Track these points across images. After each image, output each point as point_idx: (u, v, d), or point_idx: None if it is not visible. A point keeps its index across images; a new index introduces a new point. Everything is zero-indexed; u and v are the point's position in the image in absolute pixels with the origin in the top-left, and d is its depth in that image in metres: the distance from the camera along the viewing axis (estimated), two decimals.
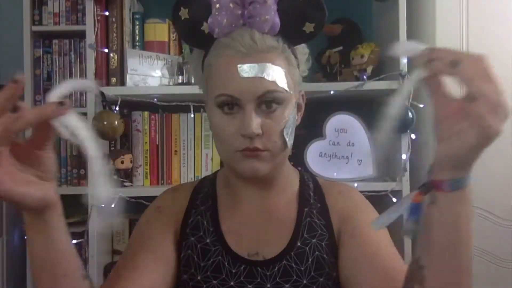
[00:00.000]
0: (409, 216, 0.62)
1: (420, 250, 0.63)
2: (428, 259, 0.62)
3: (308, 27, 0.79)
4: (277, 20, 0.77)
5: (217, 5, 0.77)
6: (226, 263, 0.84)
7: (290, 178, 0.91)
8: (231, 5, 0.76)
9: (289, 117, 0.79)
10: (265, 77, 0.75)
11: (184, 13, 0.80)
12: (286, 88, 0.78)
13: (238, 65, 0.75)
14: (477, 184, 1.47)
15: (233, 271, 0.83)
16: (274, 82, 0.76)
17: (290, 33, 0.79)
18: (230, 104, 0.77)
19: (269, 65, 0.76)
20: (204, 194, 0.92)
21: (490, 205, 1.49)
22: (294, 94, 0.81)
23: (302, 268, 0.82)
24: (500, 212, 1.49)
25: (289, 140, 0.81)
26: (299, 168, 0.99)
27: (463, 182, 0.61)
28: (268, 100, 0.76)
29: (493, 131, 0.52)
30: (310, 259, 0.83)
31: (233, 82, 0.76)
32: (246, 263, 0.83)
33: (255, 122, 0.75)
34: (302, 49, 0.86)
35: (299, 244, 0.84)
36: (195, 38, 0.82)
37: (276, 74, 0.76)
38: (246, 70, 0.75)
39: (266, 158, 0.78)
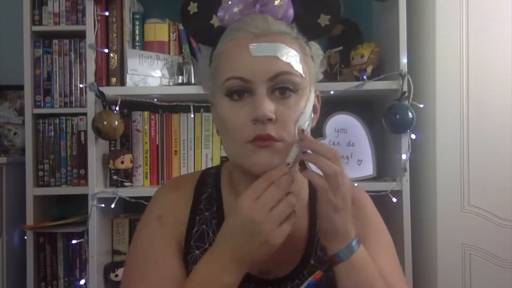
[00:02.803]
0: None
1: None
2: None
3: (324, 20, 0.75)
4: (291, 7, 0.74)
5: None
6: None
7: (301, 184, 0.83)
8: None
9: (306, 109, 0.72)
10: (280, 57, 0.70)
11: (193, 7, 0.78)
12: (301, 71, 0.71)
13: (250, 45, 0.70)
14: (477, 184, 1.48)
15: None
16: (289, 64, 0.70)
17: (305, 25, 0.75)
18: (240, 91, 0.71)
19: (283, 45, 0.71)
20: (208, 195, 0.83)
21: (490, 205, 1.49)
22: (310, 84, 0.75)
23: None
24: (500, 212, 1.49)
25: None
26: None
27: (345, 252, 0.69)
28: (282, 86, 0.70)
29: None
30: (323, 279, 0.76)
31: (244, 63, 0.70)
32: (256, 282, 0.77)
33: (268, 105, 0.68)
34: (316, 50, 0.81)
35: (312, 262, 0.79)
36: (204, 32, 0.78)
37: (291, 57, 0.71)
38: (259, 49, 0.70)
39: (280, 150, 0.70)
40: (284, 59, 0.70)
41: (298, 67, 0.71)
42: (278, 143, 0.69)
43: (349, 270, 0.69)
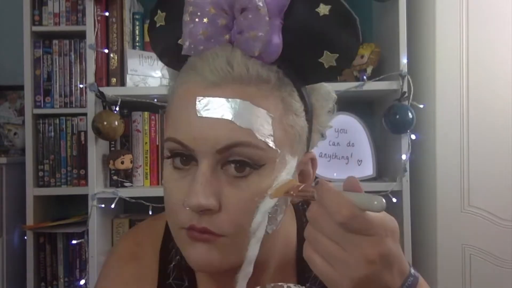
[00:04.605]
0: None
1: None
2: None
3: (328, 59, 0.51)
4: (276, 40, 0.51)
5: (191, 7, 0.51)
6: None
7: (286, 244, 0.63)
8: (211, 9, 0.51)
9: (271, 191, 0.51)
10: (235, 121, 0.49)
11: (160, 18, 0.56)
12: (270, 143, 0.51)
13: (197, 98, 0.50)
14: (477, 184, 1.48)
15: None
16: (248, 132, 0.49)
17: (300, 65, 0.53)
18: (184, 157, 0.52)
19: (244, 103, 0.50)
20: (176, 263, 0.64)
21: (490, 205, 1.49)
22: (288, 155, 0.53)
23: None
24: (500, 212, 1.49)
25: (270, 226, 0.53)
26: (299, 205, 0.67)
27: None
28: (237, 159, 0.50)
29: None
30: None
31: (186, 124, 0.51)
32: None
33: (206, 189, 0.49)
34: (325, 93, 0.59)
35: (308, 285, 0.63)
36: (170, 56, 0.58)
37: (256, 120, 0.50)
38: (208, 106, 0.50)
39: (224, 246, 0.51)
40: (241, 124, 0.49)
41: (264, 134, 0.50)
42: (220, 238, 0.51)
43: None
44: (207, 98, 0.50)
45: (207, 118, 0.50)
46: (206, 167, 0.50)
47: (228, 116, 0.49)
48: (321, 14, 0.49)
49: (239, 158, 0.50)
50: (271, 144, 0.51)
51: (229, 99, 0.50)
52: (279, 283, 0.49)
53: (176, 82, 0.56)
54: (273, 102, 0.51)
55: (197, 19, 0.51)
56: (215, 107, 0.50)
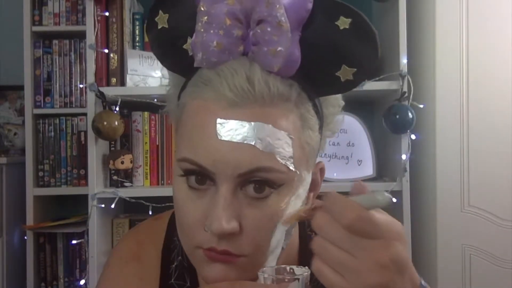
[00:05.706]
0: None
1: None
2: None
3: (345, 73, 0.50)
4: (297, 54, 0.49)
5: (205, 17, 0.49)
6: None
7: (289, 246, 0.61)
8: (227, 20, 0.49)
9: (288, 208, 0.51)
10: (257, 146, 0.48)
11: (162, 19, 0.53)
12: (291, 166, 0.50)
13: (218, 120, 0.49)
14: (477, 184, 1.48)
15: None
16: (270, 157, 0.49)
17: (316, 78, 0.51)
18: (200, 176, 0.51)
19: (267, 127, 0.49)
20: (178, 264, 0.65)
21: (490, 205, 1.49)
22: (304, 171, 0.53)
23: None
24: (500, 212, 1.49)
25: (286, 242, 0.53)
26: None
27: None
28: (258, 180, 0.50)
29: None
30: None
31: (206, 146, 0.49)
32: None
33: (228, 214, 0.48)
34: (334, 100, 0.58)
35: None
36: (173, 59, 0.55)
37: (278, 144, 0.49)
38: (228, 129, 0.48)
39: (242, 265, 0.52)
40: (265, 149, 0.48)
41: (286, 157, 0.50)
42: (239, 258, 0.51)
43: None
44: (229, 121, 0.49)
45: (229, 143, 0.48)
46: (226, 191, 0.49)
47: (251, 141, 0.48)
48: (341, 27, 0.48)
49: (259, 179, 0.50)
50: (291, 166, 0.50)
51: (252, 123, 0.48)
52: (282, 266, 0.49)
53: (185, 94, 0.54)
54: (292, 121, 0.51)
55: (211, 31, 0.49)
56: (237, 131, 0.48)
